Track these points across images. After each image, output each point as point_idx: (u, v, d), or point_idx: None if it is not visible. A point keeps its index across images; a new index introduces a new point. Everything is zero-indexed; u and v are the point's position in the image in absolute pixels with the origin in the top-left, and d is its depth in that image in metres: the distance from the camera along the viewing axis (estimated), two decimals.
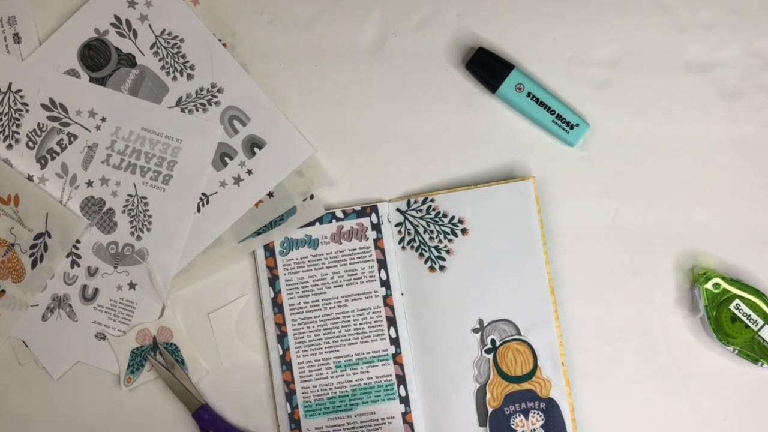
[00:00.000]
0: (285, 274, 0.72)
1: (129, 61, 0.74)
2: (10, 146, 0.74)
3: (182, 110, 0.74)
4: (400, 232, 0.72)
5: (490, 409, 0.70)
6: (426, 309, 0.71)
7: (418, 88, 0.74)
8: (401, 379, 0.71)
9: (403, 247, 0.72)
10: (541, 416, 0.70)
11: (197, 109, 0.74)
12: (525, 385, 0.70)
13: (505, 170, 0.73)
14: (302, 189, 0.73)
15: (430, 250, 0.71)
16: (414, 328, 0.71)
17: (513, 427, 0.70)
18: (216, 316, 0.73)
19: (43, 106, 0.74)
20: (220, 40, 0.74)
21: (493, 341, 0.70)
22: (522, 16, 0.74)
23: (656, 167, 0.72)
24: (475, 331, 0.70)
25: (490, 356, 0.70)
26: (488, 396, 0.70)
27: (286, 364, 0.72)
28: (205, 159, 0.73)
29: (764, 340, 0.68)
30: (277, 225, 0.73)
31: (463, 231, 0.71)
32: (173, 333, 0.72)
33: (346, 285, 0.72)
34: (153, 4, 0.74)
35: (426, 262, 0.71)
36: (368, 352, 0.71)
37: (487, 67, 0.72)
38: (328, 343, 0.72)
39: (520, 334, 0.70)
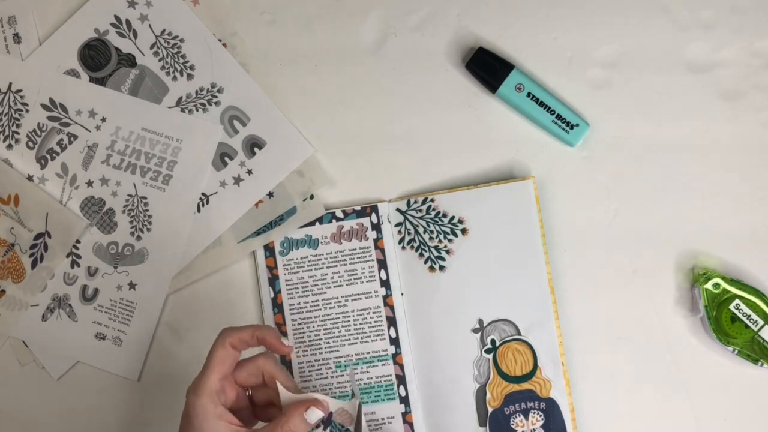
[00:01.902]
0: (285, 274, 0.72)
1: (129, 61, 0.74)
2: (10, 146, 0.74)
3: (182, 110, 0.74)
4: (400, 232, 0.72)
5: (490, 409, 0.70)
6: (426, 309, 0.71)
7: (418, 88, 0.74)
8: (401, 379, 0.71)
9: (403, 247, 0.72)
10: (541, 416, 0.69)
11: (197, 109, 0.74)
12: (525, 385, 0.70)
13: (505, 170, 0.73)
14: (302, 189, 0.73)
15: (429, 250, 0.71)
16: (414, 328, 0.71)
17: (513, 427, 0.70)
18: (216, 316, 0.73)
19: (43, 106, 0.74)
20: (220, 40, 0.74)
21: (493, 341, 0.70)
22: (522, 16, 0.74)
23: (656, 167, 0.72)
24: (475, 331, 0.70)
25: (490, 356, 0.70)
26: (488, 396, 0.70)
27: (286, 364, 0.72)
28: (205, 159, 0.73)
29: (764, 340, 0.68)
30: (277, 225, 0.73)
31: (463, 231, 0.71)
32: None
33: (346, 285, 0.72)
34: (153, 4, 0.74)
35: (426, 262, 0.71)
36: (368, 352, 0.71)
37: (487, 67, 0.72)
38: (328, 343, 0.72)
39: (520, 334, 0.70)
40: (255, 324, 0.62)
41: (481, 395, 0.70)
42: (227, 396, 0.58)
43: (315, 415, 0.58)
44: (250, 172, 0.73)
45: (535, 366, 0.70)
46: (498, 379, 0.70)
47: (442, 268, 0.71)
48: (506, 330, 0.70)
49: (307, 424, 0.58)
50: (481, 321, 0.70)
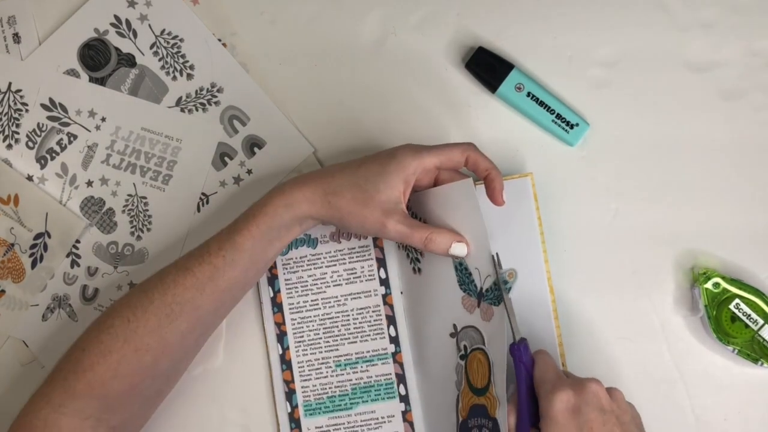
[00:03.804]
0: (284, 274, 0.72)
1: (129, 60, 0.74)
2: (10, 146, 0.74)
3: (182, 110, 0.74)
4: None
5: (460, 419, 0.65)
6: (417, 309, 0.70)
7: (418, 87, 0.74)
8: (401, 378, 0.71)
9: (399, 246, 0.71)
10: None
11: (197, 109, 0.74)
12: (482, 399, 0.62)
13: (504, 170, 0.72)
14: None
15: (411, 251, 0.70)
16: (409, 328, 0.71)
17: None
18: None
19: (43, 106, 0.74)
20: (220, 40, 0.74)
21: (465, 347, 0.65)
22: (522, 16, 0.74)
23: (656, 167, 0.72)
24: (451, 335, 0.67)
25: (463, 363, 0.65)
26: (460, 405, 0.65)
27: (285, 363, 0.72)
28: (205, 159, 0.73)
29: (764, 339, 0.68)
30: None
31: None
32: None
33: (346, 284, 0.72)
34: (153, 4, 0.74)
35: (411, 263, 0.71)
36: (368, 351, 0.71)
37: (487, 67, 0.72)
38: (327, 342, 0.71)
39: (484, 343, 0.63)
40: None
41: (457, 403, 0.66)
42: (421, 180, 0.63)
43: (458, 250, 0.61)
44: (250, 171, 0.73)
45: (489, 381, 0.62)
46: (467, 389, 0.64)
47: (419, 270, 0.69)
48: (474, 337, 0.64)
49: (446, 251, 0.61)
50: (455, 326, 0.67)
